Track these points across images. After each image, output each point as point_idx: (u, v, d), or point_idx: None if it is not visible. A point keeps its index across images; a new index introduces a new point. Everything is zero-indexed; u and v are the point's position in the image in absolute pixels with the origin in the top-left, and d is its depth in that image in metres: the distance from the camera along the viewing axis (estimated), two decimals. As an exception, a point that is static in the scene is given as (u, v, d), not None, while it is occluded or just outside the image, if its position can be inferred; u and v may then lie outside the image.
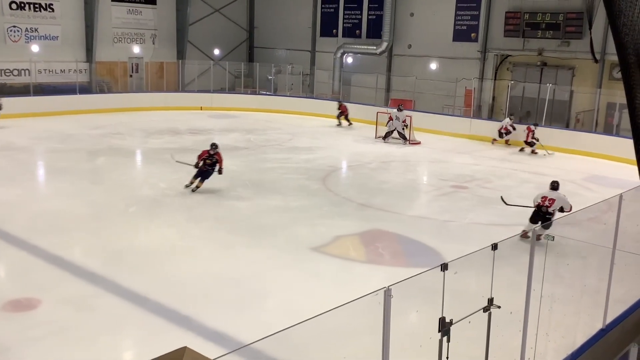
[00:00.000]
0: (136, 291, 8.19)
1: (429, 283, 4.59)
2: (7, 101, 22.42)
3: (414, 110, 23.62)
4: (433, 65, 26.64)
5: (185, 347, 1.52)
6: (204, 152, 13.57)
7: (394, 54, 28.11)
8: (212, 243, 10.36)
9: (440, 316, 4.33)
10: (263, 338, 3.64)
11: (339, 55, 29.27)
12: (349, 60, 29.57)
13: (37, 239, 9.99)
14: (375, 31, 28.29)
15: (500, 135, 21.16)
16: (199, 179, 13.35)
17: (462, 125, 23.08)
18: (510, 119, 21.02)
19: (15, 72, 24.91)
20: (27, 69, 24.90)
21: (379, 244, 10.73)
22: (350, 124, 24.34)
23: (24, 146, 17.89)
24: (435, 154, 19.64)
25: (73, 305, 7.75)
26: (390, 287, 3.76)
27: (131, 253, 9.67)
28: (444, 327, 4.29)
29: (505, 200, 11.78)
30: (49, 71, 25.75)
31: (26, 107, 22.98)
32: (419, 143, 21.11)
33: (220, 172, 13.51)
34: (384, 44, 27.67)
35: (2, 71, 24.57)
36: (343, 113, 24.43)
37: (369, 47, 28.34)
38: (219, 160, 13.49)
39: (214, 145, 13.62)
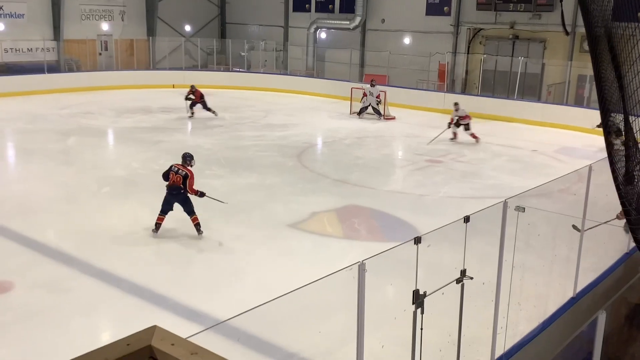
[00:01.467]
0: (110, 272, 8.12)
1: (403, 257, 4.63)
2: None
3: (388, 86, 23.59)
4: (407, 40, 26.58)
5: (155, 326, 1.50)
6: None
7: (368, 29, 27.96)
8: (186, 222, 10.28)
9: (414, 288, 4.37)
10: (238, 315, 3.64)
11: (312, 30, 29.02)
12: (323, 35, 29.36)
13: (7, 222, 9.81)
14: (348, 6, 28.06)
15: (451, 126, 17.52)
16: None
17: (436, 99, 23.15)
18: (456, 108, 17.43)
19: (-20, 52, 24.24)
20: (-7, 48, 24.24)
21: (355, 219, 10.77)
22: (214, 113, 19.85)
23: (-9, 127, 17.48)
24: (409, 129, 19.70)
25: (46, 288, 7.66)
26: (364, 262, 3.77)
27: (104, 234, 9.56)
28: (418, 299, 4.33)
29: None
30: (16, 50, 25.09)
31: (-7, 87, 22.42)
32: (393, 118, 21.14)
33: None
34: (357, 19, 27.50)
35: (-34, 51, 23.90)
36: (195, 102, 19.69)
37: (342, 22, 28.14)
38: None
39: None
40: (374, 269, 3.98)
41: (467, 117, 17.31)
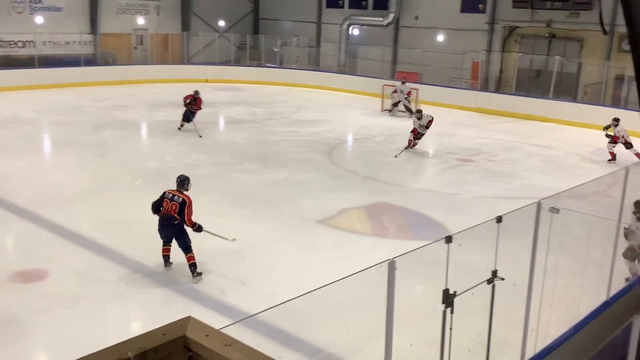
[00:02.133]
0: (141, 263, 8.25)
1: (433, 256, 4.60)
2: (13, 73, 22.45)
3: (420, 83, 23.39)
4: (440, 37, 26.33)
5: (189, 317, 1.52)
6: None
7: (401, 26, 27.79)
8: (216, 216, 10.37)
9: (444, 288, 4.34)
10: (268, 309, 3.66)
11: (345, 27, 28.96)
12: (355, 32, 29.26)
13: (43, 211, 10.04)
14: (381, 2, 27.91)
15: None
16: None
17: (468, 98, 22.90)
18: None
19: (20, 44, 24.77)
20: (32, 41, 24.74)
21: (384, 217, 10.74)
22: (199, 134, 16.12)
23: (29, 118, 17.88)
24: (441, 127, 19.49)
25: (81, 276, 7.82)
26: (394, 259, 3.76)
27: (137, 225, 9.71)
28: (448, 298, 4.30)
29: None
30: (54, 43, 25.58)
31: (31, 79, 22.92)
32: (425, 116, 20.96)
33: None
34: (391, 16, 27.34)
35: (7, 43, 24.44)
36: (195, 111, 16.43)
37: (375, 19, 28.01)
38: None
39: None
40: (403, 267, 3.96)
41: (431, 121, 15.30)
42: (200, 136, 15.96)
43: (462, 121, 20.51)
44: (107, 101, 21.21)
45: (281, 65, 29.70)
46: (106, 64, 26.88)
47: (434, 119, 15.57)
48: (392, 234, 9.97)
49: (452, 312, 4.36)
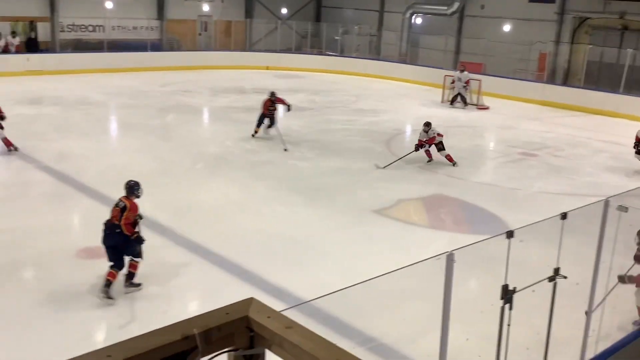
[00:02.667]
0: (201, 244, 8.44)
1: (492, 250, 4.51)
2: (83, 56, 23.29)
3: (484, 74, 22.85)
4: (506, 27, 25.61)
5: (252, 298, 1.54)
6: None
7: (466, 15, 27.19)
8: (273, 202, 10.50)
9: (503, 284, 4.25)
10: (322, 296, 3.67)
11: (407, 15, 28.57)
12: (418, 21, 28.84)
13: (108, 191, 10.38)
14: (447, -9, 27.39)
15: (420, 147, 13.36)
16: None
17: (533, 90, 22.24)
18: (425, 130, 13.20)
19: (90, 28, 25.64)
20: (102, 26, 25.57)
21: (441, 209, 10.61)
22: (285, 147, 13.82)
23: (98, 101, 18.52)
24: (504, 120, 19.06)
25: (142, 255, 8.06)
26: (453, 252, 3.71)
27: (196, 208, 9.95)
28: (507, 294, 4.21)
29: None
30: (122, 28, 26.35)
31: (100, 63, 23.73)
32: (487, 108, 20.52)
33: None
34: (456, 4, 26.78)
35: (79, 27, 25.33)
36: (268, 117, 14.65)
37: (439, 8, 27.50)
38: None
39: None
40: (461, 261, 3.90)
41: (433, 139, 13.17)
42: (286, 149, 13.58)
43: (526, 114, 19.95)
44: (171, 86, 21.72)
45: (342, 53, 29.62)
46: (171, 49, 27.49)
47: (442, 137, 13.15)
48: (449, 227, 9.83)
49: (510, 308, 4.26)
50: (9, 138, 12.10)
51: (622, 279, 5.88)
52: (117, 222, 7.01)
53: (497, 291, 4.29)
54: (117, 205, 7.23)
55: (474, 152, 15.10)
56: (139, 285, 7.19)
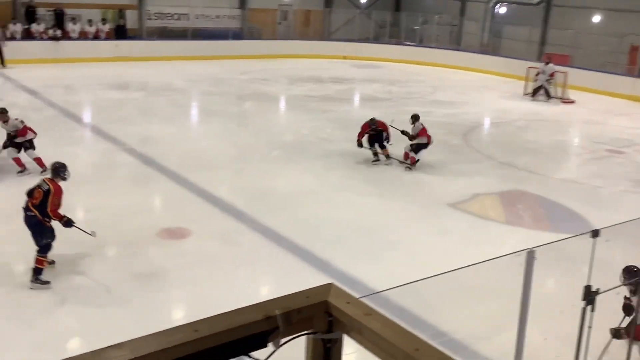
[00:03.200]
0: (275, 230, 8.59)
1: (573, 249, 4.35)
2: (168, 44, 24.09)
3: (570, 67, 21.89)
4: (596, 18, 24.39)
5: (331, 284, 1.56)
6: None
7: (553, 5, 26.08)
8: (347, 191, 10.53)
9: (586, 284, 4.09)
10: (396, 287, 3.67)
11: (491, 4, 27.74)
12: (502, 10, 27.94)
13: (189, 175, 10.76)
14: (533, -21, 26.36)
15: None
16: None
17: (623, 84, 21.11)
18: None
19: (176, 17, 26.46)
20: (186, 14, 26.33)
21: (519, 205, 10.29)
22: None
23: (181, 88, 19.14)
24: (590, 115, 18.23)
25: (219, 238, 8.32)
26: (533, 249, 3.60)
27: (271, 194, 10.12)
28: (589, 295, 4.04)
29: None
30: (205, 17, 27.04)
31: (184, 50, 24.49)
32: (572, 102, 19.69)
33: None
34: (543, -6, 25.76)
35: (164, 15, 26.20)
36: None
37: (525, -3, 26.55)
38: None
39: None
40: (542, 258, 3.78)
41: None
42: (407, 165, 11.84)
43: (614, 109, 18.99)
44: (250, 74, 22.12)
45: (421, 43, 29.17)
46: (251, 38, 27.97)
47: (429, 138, 11.78)
48: (527, 224, 9.53)
49: (592, 310, 4.10)
50: (42, 158, 10.38)
51: (618, 333, 4.79)
52: (31, 205, 6.61)
53: (578, 292, 4.13)
54: (39, 186, 6.71)
55: (556, 147, 14.54)
56: (46, 283, 6.66)
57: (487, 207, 10.18)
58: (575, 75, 20.60)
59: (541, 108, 18.81)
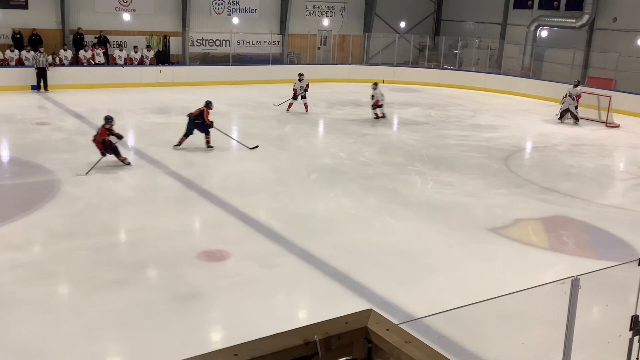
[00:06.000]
0: (313, 254, 8.59)
1: (620, 278, 4.21)
2: (209, 69, 24.58)
3: (614, 90, 21.47)
4: (641, 41, 23.94)
5: (370, 310, 1.56)
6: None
7: (596, 28, 25.72)
8: (385, 215, 10.47)
9: (633, 314, 3.95)
10: (436, 313, 3.62)
11: (532, 28, 27.51)
12: (543, 34, 27.67)
13: (228, 197, 10.88)
14: (576, 3, 26.06)
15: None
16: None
17: (671, 108, 20.55)
18: (300, 79, 19.70)
19: (218, 43, 27.05)
20: (228, 40, 26.90)
21: (563, 231, 10.06)
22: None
23: (222, 111, 19.41)
24: (635, 139, 17.78)
25: (257, 260, 8.35)
26: (578, 277, 3.51)
27: (310, 218, 10.14)
28: (637, 325, 3.91)
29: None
30: (246, 42, 27.57)
31: (225, 75, 24.96)
32: (617, 126, 19.26)
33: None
34: (585, 17, 25.41)
35: (207, 41, 26.83)
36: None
37: (567, 20, 26.24)
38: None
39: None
40: (586, 286, 3.68)
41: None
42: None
43: (661, 134, 18.47)
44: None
45: (460, 67, 29.07)
46: (291, 63, 28.34)
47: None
48: (571, 250, 9.29)
49: (640, 341, 3.95)
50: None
51: None
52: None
53: (625, 321, 3.99)
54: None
55: (601, 172, 14.20)
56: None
57: (530, 233, 9.98)
58: (620, 99, 20.18)
59: (584, 132, 18.44)
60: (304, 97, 19.57)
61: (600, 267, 3.85)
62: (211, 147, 14.03)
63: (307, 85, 19.62)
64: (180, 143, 14.06)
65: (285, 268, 8.19)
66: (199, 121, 13.93)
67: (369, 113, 20.03)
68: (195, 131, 14.04)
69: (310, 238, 9.17)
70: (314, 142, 16.49)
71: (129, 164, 12.49)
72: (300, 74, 19.77)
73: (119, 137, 12.44)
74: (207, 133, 14.05)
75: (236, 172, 12.65)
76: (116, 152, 12.36)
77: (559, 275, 3.69)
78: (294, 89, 19.50)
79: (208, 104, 14.03)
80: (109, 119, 12.37)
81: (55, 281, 7.69)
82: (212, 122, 13.81)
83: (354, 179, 12.54)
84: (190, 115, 14.01)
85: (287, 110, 19.54)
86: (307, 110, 19.46)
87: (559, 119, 19.78)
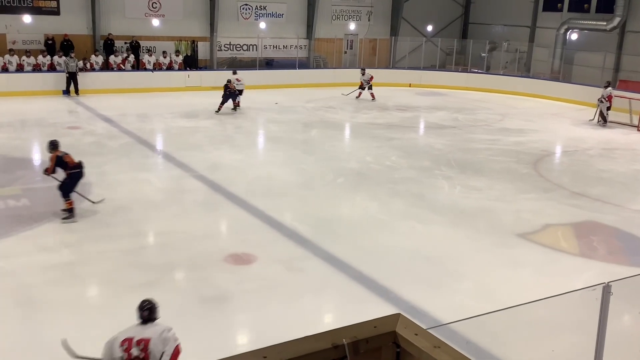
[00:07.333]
0: (339, 258, 8.58)
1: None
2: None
3: (646, 93, 21.02)
4: (675, 43, 23.44)
5: (399, 314, 1.55)
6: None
7: (627, 31, 25.25)
8: (411, 219, 10.43)
9: (667, 323, 3.87)
10: (465, 319, 3.59)
11: (562, 31, 27.12)
12: (573, 37, 27.26)
13: (254, 201, 10.94)
14: (606, 5, 25.62)
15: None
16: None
17: None
18: (362, 73, 23.93)
19: (245, 48, 27.24)
20: (255, 45, 27.07)
21: (593, 237, 9.89)
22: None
23: (248, 116, 19.59)
24: (669, 144, 17.39)
25: (283, 264, 8.39)
26: (610, 284, 3.45)
27: (336, 222, 10.14)
28: (670, 335, 3.82)
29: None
30: (273, 47, 27.70)
31: (252, 79, 25.06)
32: (649, 130, 18.87)
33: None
34: (616, 20, 24.96)
35: (234, 46, 27.05)
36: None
37: (597, 23, 25.81)
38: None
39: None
40: (618, 293, 3.61)
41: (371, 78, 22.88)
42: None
43: (696, 138, 18.04)
44: (316, 102, 22.41)
45: (488, 70, 28.79)
46: (317, 67, 28.39)
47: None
48: (602, 257, 9.13)
49: (674, 351, 3.86)
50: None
51: None
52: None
53: (659, 330, 3.91)
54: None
55: (633, 177, 13.92)
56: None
57: (559, 239, 9.84)
58: (652, 102, 19.77)
59: (615, 136, 18.11)
60: (370, 87, 22.83)
61: (632, 274, 3.77)
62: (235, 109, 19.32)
63: (371, 78, 22.89)
64: (219, 109, 18.94)
65: (311, 271, 8.21)
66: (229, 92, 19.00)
67: (395, 117, 20.00)
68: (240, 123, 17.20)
69: (336, 242, 9.17)
70: (339, 146, 16.49)
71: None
72: (363, 69, 23.56)
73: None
74: (234, 100, 19.31)
75: (262, 176, 12.71)
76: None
77: (590, 282, 3.63)
78: (360, 82, 23.05)
79: (229, 81, 19.29)
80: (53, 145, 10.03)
81: (86, 283, 7.82)
82: (237, 90, 19.38)
83: (380, 183, 12.51)
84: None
85: (357, 97, 23.07)
86: (374, 99, 22.58)
87: (597, 122, 19.57)
